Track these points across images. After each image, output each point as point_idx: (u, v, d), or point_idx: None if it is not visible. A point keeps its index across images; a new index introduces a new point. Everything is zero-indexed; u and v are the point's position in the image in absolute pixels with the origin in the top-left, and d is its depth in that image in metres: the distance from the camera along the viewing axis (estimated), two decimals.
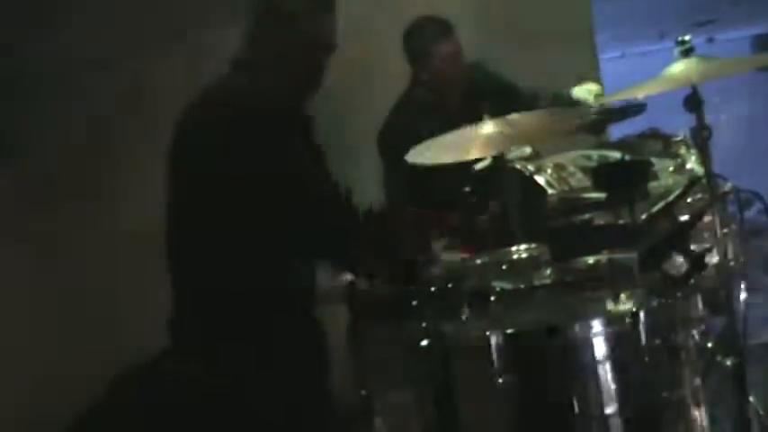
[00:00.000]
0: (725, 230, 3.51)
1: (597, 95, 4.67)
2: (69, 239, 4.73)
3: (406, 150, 4.57)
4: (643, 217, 3.13)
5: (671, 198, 3.19)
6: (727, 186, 3.70)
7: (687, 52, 3.36)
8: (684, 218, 3.08)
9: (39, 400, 4.40)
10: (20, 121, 4.89)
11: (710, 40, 10.04)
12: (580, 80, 4.87)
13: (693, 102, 3.33)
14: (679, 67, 3.37)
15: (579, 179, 4.12)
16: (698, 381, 3.00)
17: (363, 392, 3.65)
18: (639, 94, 3.54)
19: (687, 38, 3.38)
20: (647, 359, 2.83)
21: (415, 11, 4.91)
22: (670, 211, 3.05)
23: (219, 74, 3.31)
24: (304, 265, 3.17)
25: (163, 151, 3.29)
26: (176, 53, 5.07)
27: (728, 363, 3.31)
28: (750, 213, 3.74)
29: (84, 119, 4.94)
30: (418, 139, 4.48)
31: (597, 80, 5.57)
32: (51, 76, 4.98)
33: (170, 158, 3.22)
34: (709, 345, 3.30)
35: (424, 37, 4.73)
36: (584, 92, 4.69)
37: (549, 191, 4.03)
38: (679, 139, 4.35)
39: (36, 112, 4.93)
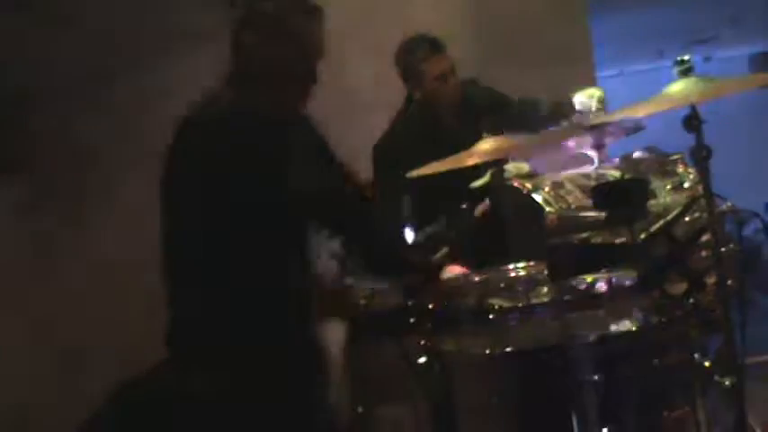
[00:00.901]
0: (723, 249, 3.51)
1: (599, 99, 4.66)
2: (72, 246, 4.74)
3: (401, 168, 4.60)
4: (642, 236, 3.12)
5: (670, 217, 3.18)
6: (726, 205, 3.71)
7: (686, 72, 3.36)
8: (683, 237, 3.08)
9: (42, 411, 4.40)
10: (23, 136, 4.90)
11: (707, 59, 10.05)
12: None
13: (693, 121, 3.33)
14: (678, 87, 3.37)
15: (577, 197, 4.12)
16: (696, 400, 3.00)
17: (360, 409, 3.66)
18: (639, 114, 3.53)
19: (687, 57, 3.38)
20: (645, 378, 2.83)
21: (415, 27, 4.93)
22: (669, 230, 3.05)
23: (211, 89, 3.28)
24: (304, 277, 3.16)
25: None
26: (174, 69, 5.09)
27: (726, 382, 3.31)
28: (747, 232, 3.74)
29: (87, 133, 4.96)
30: (413, 157, 4.51)
31: None
32: (55, 92, 5.00)
33: (164, 173, 3.22)
34: (707, 364, 3.30)
35: (415, 55, 4.74)
36: (586, 97, 4.69)
37: (547, 208, 4.04)
38: (677, 157, 4.36)
39: (39, 127, 4.95)
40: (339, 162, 3.16)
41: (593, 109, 4.60)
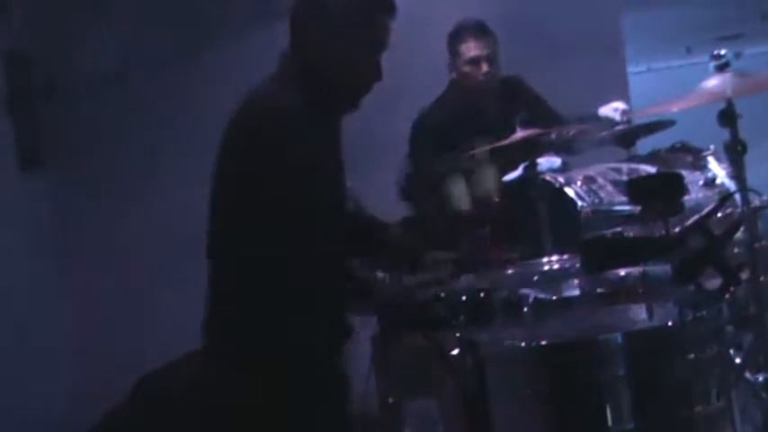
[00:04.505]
0: (756, 245, 3.51)
1: (623, 112, 4.68)
2: (104, 241, 4.76)
3: (434, 145, 4.64)
4: (677, 230, 3.12)
5: (705, 212, 3.17)
6: (760, 201, 3.70)
7: (723, 67, 3.35)
8: (719, 232, 3.06)
9: (70, 399, 4.43)
10: (55, 130, 4.92)
11: (738, 55, 9.97)
12: (608, 93, 4.89)
13: (728, 116, 3.32)
14: (714, 82, 3.37)
15: (609, 192, 4.12)
16: (728, 396, 2.98)
17: (390, 400, 3.66)
18: (674, 109, 3.53)
19: (723, 52, 3.38)
20: (680, 373, 2.82)
21: (444, 20, 4.97)
22: (704, 225, 3.04)
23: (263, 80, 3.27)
24: (335, 269, 3.16)
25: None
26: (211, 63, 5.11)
27: (759, 378, 3.30)
28: None
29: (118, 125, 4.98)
30: (445, 137, 4.57)
31: (625, 92, 5.59)
32: (86, 86, 5.02)
33: (216, 164, 3.21)
34: (738, 360, 3.30)
35: (456, 38, 4.82)
36: (610, 110, 4.71)
37: (579, 203, 4.04)
38: (709, 152, 4.35)
39: (71, 121, 4.97)
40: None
41: (617, 120, 4.63)
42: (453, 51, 4.82)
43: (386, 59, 3.06)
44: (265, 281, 3.04)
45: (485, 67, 4.75)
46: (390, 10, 3.13)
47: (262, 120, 3.08)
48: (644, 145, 4.75)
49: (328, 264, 3.08)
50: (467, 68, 4.77)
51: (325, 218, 3.05)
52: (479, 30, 4.79)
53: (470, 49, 4.76)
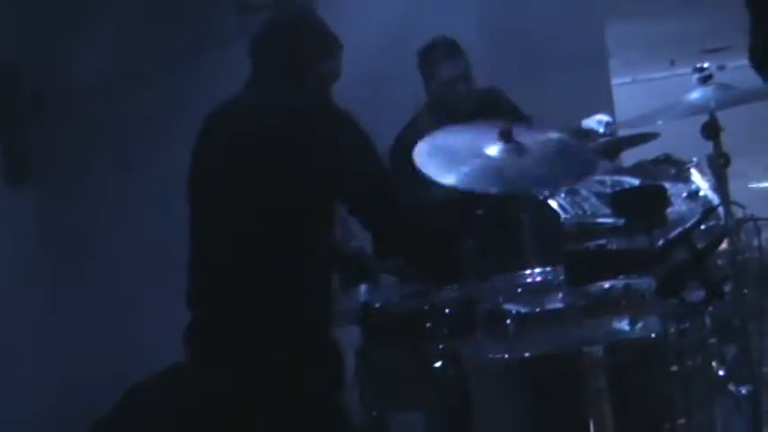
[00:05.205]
0: (739, 258, 3.51)
1: (607, 125, 4.69)
2: (91, 256, 4.75)
3: (408, 167, 4.63)
4: (660, 243, 3.12)
5: (688, 225, 3.18)
6: (743, 213, 3.70)
7: (706, 79, 3.37)
8: (702, 245, 3.07)
9: (56, 410, 4.42)
10: (43, 143, 4.91)
11: (721, 68, 10.00)
12: (592, 105, 4.89)
13: (711, 129, 3.33)
14: (697, 95, 3.38)
15: (593, 204, 4.12)
16: (711, 409, 2.99)
17: (375, 413, 3.65)
18: (657, 121, 3.54)
19: (706, 65, 3.39)
20: (663, 386, 2.82)
21: (429, 32, 4.96)
22: (688, 237, 3.04)
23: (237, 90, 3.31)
24: (324, 280, 3.17)
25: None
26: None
27: (743, 391, 3.30)
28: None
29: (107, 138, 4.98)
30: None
31: (609, 104, 5.60)
32: (67, 102, 5.01)
33: (192, 173, 3.23)
34: (721, 373, 3.30)
35: (429, 59, 4.80)
36: (594, 123, 4.71)
37: (562, 215, 4.03)
38: (692, 165, 4.35)
39: (60, 133, 4.96)
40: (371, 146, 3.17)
41: (601, 133, 4.63)
42: (427, 73, 4.80)
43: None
44: (254, 285, 3.05)
45: (463, 86, 4.75)
46: (342, 46, 3.35)
47: (239, 121, 3.14)
48: (628, 157, 4.75)
49: (308, 271, 3.09)
50: (444, 89, 4.76)
51: (301, 221, 3.07)
52: (451, 50, 4.77)
53: (444, 71, 4.75)
